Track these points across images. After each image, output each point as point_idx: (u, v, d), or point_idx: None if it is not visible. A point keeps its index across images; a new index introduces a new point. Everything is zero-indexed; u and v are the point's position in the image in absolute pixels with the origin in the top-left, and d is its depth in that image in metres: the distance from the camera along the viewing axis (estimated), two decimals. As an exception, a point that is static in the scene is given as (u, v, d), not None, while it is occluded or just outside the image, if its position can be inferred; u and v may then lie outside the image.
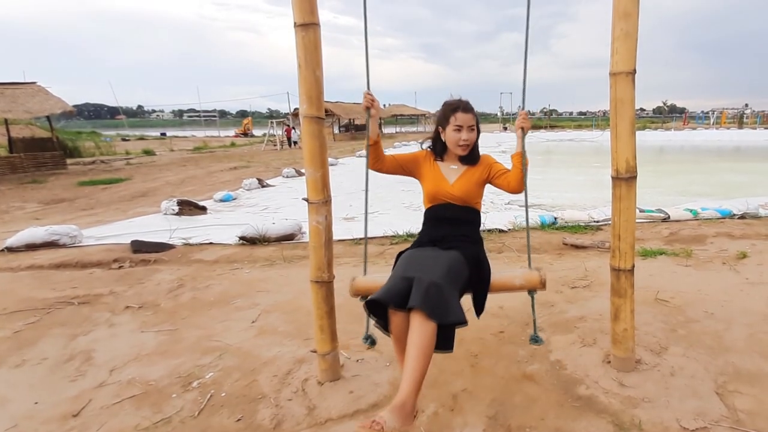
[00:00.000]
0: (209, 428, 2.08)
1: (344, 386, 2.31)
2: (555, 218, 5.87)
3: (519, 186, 2.10)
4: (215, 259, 4.80)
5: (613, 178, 2.23)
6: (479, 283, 2.02)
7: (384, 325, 1.85)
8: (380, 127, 1.99)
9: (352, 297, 2.20)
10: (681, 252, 4.42)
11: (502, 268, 3.86)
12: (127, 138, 37.73)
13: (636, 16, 2.02)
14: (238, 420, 2.12)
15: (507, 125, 47.64)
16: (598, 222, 5.81)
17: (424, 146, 2.29)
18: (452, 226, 2.08)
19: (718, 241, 4.87)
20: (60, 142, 17.90)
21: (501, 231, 5.50)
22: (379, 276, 2.15)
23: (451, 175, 2.14)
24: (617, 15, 2.03)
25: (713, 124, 46.86)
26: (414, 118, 49.72)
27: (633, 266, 2.29)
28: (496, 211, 7.90)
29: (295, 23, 2.15)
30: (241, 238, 5.38)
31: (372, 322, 1.97)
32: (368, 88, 2.19)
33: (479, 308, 2.05)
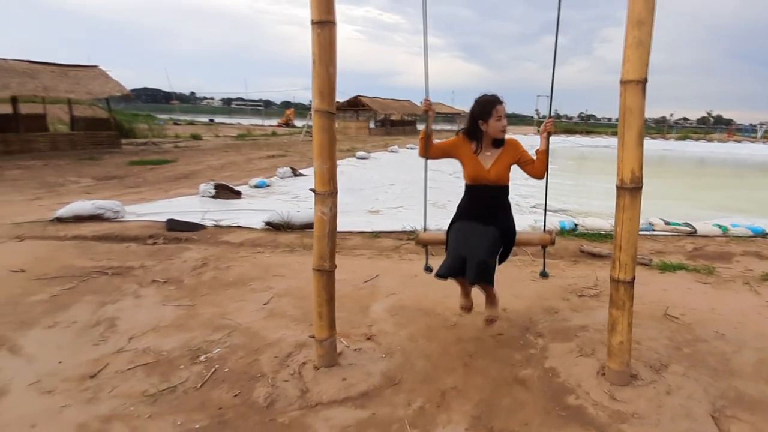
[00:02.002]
0: (208, 400, 2.15)
1: (338, 373, 2.33)
2: (575, 225, 5.70)
3: (541, 173, 2.55)
4: (241, 241, 4.93)
5: (617, 187, 2.15)
6: (507, 244, 2.61)
7: (445, 277, 2.42)
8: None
9: (416, 245, 2.88)
10: (702, 269, 4.21)
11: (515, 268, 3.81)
12: (178, 122, 39.00)
13: (650, 24, 1.93)
14: (236, 396, 2.18)
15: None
16: (620, 232, 5.60)
17: (462, 133, 2.66)
18: (489, 202, 2.56)
19: (744, 261, 4.61)
20: (116, 123, 18.69)
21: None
22: (435, 232, 2.79)
23: (487, 161, 2.54)
24: (631, 22, 1.95)
25: (760, 137, 44.09)
26: (450, 117, 49.11)
27: (633, 278, 2.21)
28: (520, 213, 7.74)
29: (312, 20, 2.16)
30: (267, 223, 5.49)
31: (430, 260, 2.76)
32: (427, 95, 2.62)
33: (502, 259, 2.64)
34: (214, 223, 5.66)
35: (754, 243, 5.34)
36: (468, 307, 2.79)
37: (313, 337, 2.38)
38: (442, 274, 2.36)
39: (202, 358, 2.50)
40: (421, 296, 3.36)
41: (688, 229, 5.72)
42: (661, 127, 55.72)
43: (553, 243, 2.70)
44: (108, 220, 5.68)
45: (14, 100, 14.60)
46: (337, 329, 2.75)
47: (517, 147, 2.58)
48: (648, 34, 1.96)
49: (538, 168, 2.54)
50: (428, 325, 2.91)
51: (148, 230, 5.21)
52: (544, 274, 2.84)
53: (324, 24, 2.16)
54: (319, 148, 2.27)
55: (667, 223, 5.83)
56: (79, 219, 5.62)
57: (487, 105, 2.48)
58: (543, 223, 3.04)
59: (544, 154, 2.51)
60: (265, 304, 3.22)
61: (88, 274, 3.78)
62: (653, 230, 5.74)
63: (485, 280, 2.33)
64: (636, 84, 2.01)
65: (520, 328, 2.89)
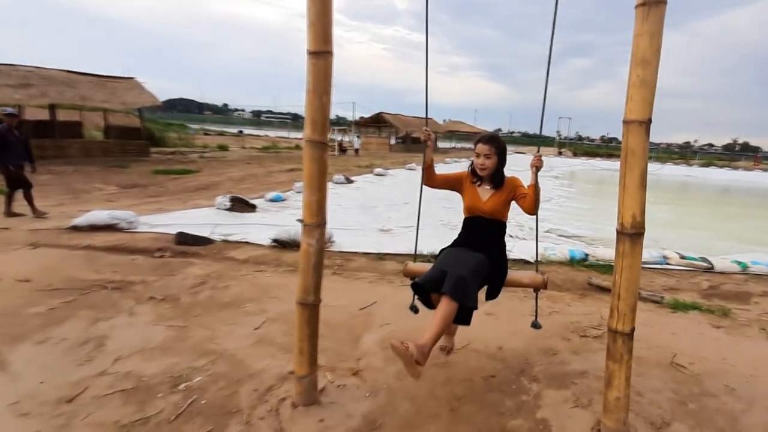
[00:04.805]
0: (179, 436, 2.04)
1: (317, 413, 2.19)
2: (586, 255, 5.45)
3: (531, 209, 2.41)
4: (245, 258, 4.86)
5: (617, 232, 1.98)
6: (495, 279, 2.47)
7: (423, 301, 2.42)
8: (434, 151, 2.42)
9: (404, 277, 2.69)
10: (717, 310, 3.93)
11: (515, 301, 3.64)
12: (209, 132, 39.91)
13: (655, 63, 1.79)
14: (208, 432, 2.06)
15: (562, 150, 45.86)
16: (632, 264, 5.32)
17: (470, 168, 2.65)
18: (482, 234, 2.53)
19: (763, 302, 4.30)
20: (147, 132, 19.18)
21: (526, 262, 5.17)
22: (424, 264, 2.62)
23: (485, 194, 2.56)
24: (635, 61, 1.81)
25: (788, 167, 42.41)
26: (471, 135, 48.90)
27: (632, 329, 2.02)
28: (532, 239, 7.51)
29: (308, 50, 2.09)
30: (274, 240, 5.42)
31: (416, 297, 2.49)
32: (426, 125, 2.68)
33: (491, 296, 2.53)
34: (223, 237, 5.62)
35: (776, 282, 5.00)
36: (448, 349, 2.76)
37: (292, 373, 2.25)
38: (417, 283, 2.31)
39: (182, 386, 2.40)
40: (416, 328, 3.18)
41: (705, 264, 5.40)
42: (685, 153, 54.30)
43: (545, 287, 2.56)
44: (121, 230, 5.72)
45: (52, 108, 15.12)
46: (323, 362, 2.63)
47: (515, 184, 2.54)
48: (653, 73, 1.82)
49: (528, 202, 2.43)
50: (419, 362, 2.75)
51: (157, 242, 5.21)
52: (535, 325, 2.62)
53: (320, 54, 2.08)
54: (309, 178, 2.18)
55: (682, 257, 5.52)
56: (94, 228, 5.67)
57: (474, 143, 2.63)
58: (535, 258, 2.88)
59: (534, 188, 2.41)
60: (256, 328, 3.11)
61: (90, 287, 3.75)
62: (668, 264, 5.45)
63: (461, 296, 2.15)
64: (639, 124, 1.86)
65: (514, 369, 2.70)
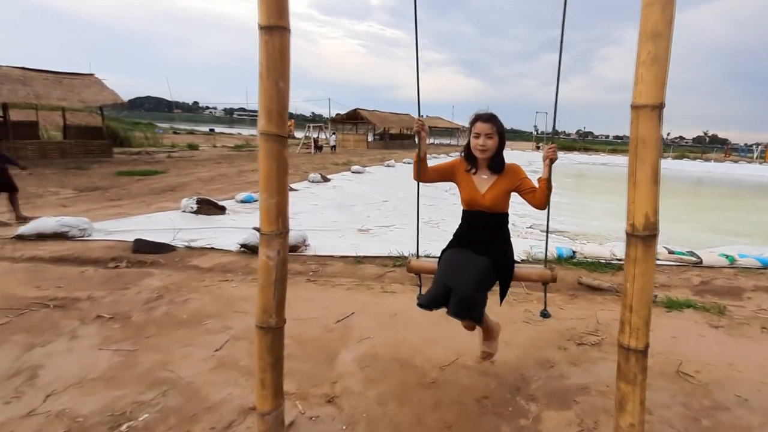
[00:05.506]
0: (116, 493, 1.70)
1: (284, 454, 1.89)
2: (573, 252, 5.28)
3: (542, 204, 2.27)
4: (210, 266, 4.49)
5: (628, 234, 1.73)
6: (503, 279, 2.37)
7: (428, 308, 2.21)
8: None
9: (408, 273, 2.64)
10: (712, 307, 3.77)
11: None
12: (178, 131, 38.77)
13: (668, 37, 1.53)
14: (152, 486, 1.73)
15: (540, 144, 46.43)
16: (620, 260, 5.17)
17: (462, 154, 2.44)
18: (484, 230, 2.35)
19: (756, 297, 4.19)
20: (111, 132, 18.36)
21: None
22: (427, 260, 2.60)
23: (483, 185, 2.33)
24: (644, 35, 1.54)
25: (756, 158, 43.98)
26: (449, 131, 48.98)
27: (647, 346, 1.77)
28: (516, 236, 7.32)
29: (259, 25, 1.77)
30: (243, 245, 5.06)
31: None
32: (419, 116, 2.45)
33: (502, 296, 2.46)
34: (186, 244, 5.22)
35: (764, 276, 4.92)
36: (471, 327, 2.53)
37: (254, 409, 1.94)
38: (423, 304, 2.20)
39: (123, 427, 2.05)
40: (399, 341, 2.92)
41: (694, 259, 5.29)
42: (657, 145, 55.72)
43: (554, 280, 2.50)
44: (72, 238, 5.25)
45: (5, 107, 14.26)
46: (293, 388, 2.33)
47: (517, 173, 2.35)
48: (666, 49, 1.56)
49: (539, 198, 2.27)
50: (403, 382, 2.47)
51: (112, 251, 4.78)
52: (544, 314, 2.63)
53: (274, 30, 1.76)
54: (266, 178, 1.86)
55: (671, 252, 5.40)
56: (41, 237, 5.19)
57: (471, 123, 2.33)
58: (544, 254, 2.77)
59: (546, 183, 2.25)
60: (216, 350, 2.77)
61: (28, 306, 3.33)
62: (657, 259, 5.31)
63: (467, 316, 2.11)
64: (651, 110, 1.60)
65: (509, 387, 2.45)
